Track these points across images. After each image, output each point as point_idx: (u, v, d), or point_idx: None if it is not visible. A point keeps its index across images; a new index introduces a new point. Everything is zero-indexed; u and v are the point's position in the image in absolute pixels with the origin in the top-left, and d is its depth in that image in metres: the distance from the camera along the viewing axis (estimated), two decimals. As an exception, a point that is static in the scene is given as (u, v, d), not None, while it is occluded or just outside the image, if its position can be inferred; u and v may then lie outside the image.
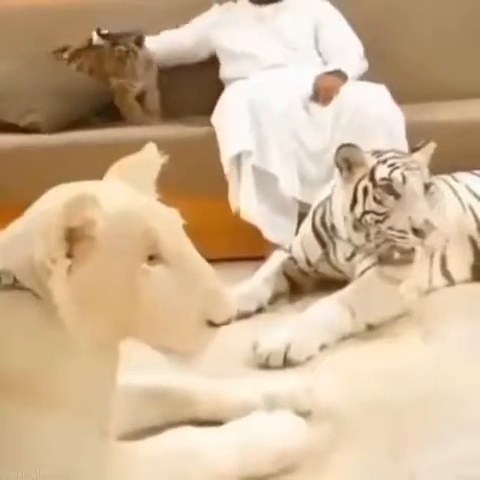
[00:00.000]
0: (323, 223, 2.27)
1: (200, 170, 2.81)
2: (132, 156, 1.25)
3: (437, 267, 2.26)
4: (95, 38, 3.21)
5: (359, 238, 2.10)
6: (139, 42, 3.14)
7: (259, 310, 2.22)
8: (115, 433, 1.23)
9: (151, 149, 1.26)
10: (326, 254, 2.27)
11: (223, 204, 2.71)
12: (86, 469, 1.09)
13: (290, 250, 2.38)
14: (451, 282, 2.28)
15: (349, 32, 3.13)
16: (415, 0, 3.40)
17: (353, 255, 2.17)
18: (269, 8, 3.12)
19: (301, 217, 2.55)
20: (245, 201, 2.66)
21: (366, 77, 2.99)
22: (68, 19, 3.37)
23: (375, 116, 2.66)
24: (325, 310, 1.95)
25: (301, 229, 2.40)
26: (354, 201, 2.07)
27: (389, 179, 2.02)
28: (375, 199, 2.03)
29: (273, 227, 2.67)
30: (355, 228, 2.09)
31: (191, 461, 1.18)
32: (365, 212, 2.05)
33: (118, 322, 1.12)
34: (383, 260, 2.05)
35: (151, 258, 1.12)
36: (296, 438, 1.31)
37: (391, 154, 2.10)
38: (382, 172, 2.04)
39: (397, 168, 2.03)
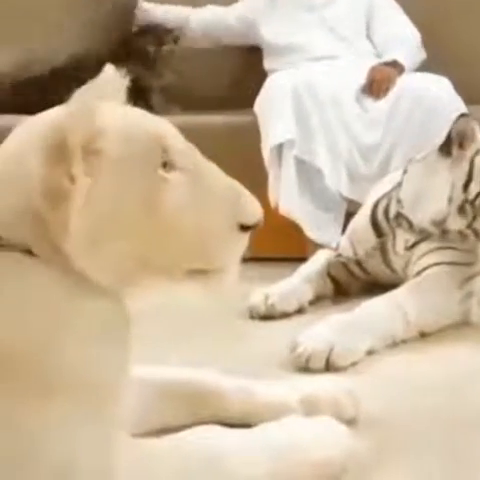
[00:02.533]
0: (386, 213, 2.17)
1: (237, 161, 2.70)
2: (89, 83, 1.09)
3: None
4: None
5: (459, 223, 1.97)
6: (176, 41, 3.13)
7: (299, 311, 2.12)
8: (130, 432, 1.10)
9: (109, 69, 1.11)
10: (381, 244, 2.16)
11: (262, 199, 2.58)
12: (91, 462, 0.97)
13: (337, 248, 2.28)
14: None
15: (404, 19, 3.03)
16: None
17: (414, 245, 2.07)
18: None
19: (348, 217, 2.47)
20: (285, 195, 2.57)
21: (424, 70, 2.88)
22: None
23: (438, 111, 2.56)
24: (375, 311, 1.83)
25: (351, 225, 2.31)
26: (469, 180, 1.95)
27: None
28: None
29: (316, 225, 2.59)
30: (461, 210, 1.97)
31: (212, 465, 1.05)
32: None
33: (140, 246, 1.00)
34: None
35: (164, 165, 1.03)
36: (339, 448, 1.17)
37: None
38: None
39: None
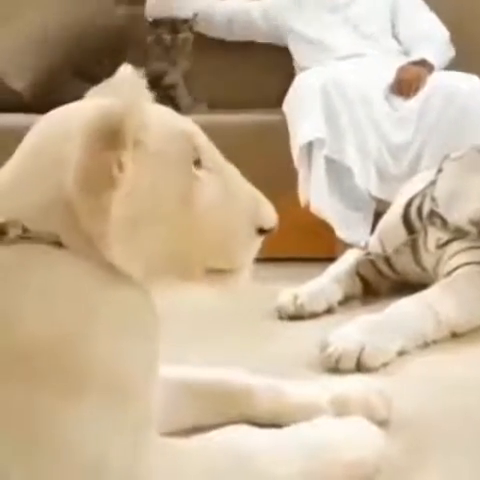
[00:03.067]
0: (419, 210, 2.14)
1: (267, 160, 2.69)
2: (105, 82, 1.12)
3: None
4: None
5: None
6: (192, 29, 3.11)
7: (328, 311, 2.10)
8: (159, 431, 1.08)
9: (126, 69, 1.11)
10: (413, 241, 2.13)
11: (290, 198, 2.58)
12: (121, 460, 0.95)
13: (366, 247, 2.25)
14: None
15: (431, 17, 2.99)
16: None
17: (446, 244, 2.03)
18: None
19: (377, 217, 2.44)
20: (316, 194, 2.55)
21: (453, 67, 2.85)
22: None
23: (470, 109, 2.54)
24: (406, 312, 1.80)
25: (381, 224, 2.28)
26: None
27: None
28: None
29: (346, 224, 2.56)
30: None
31: (241, 464, 1.03)
32: None
33: (171, 240, 1.02)
34: None
35: (195, 163, 1.05)
36: (372, 448, 1.15)
37: None
38: None
39: None
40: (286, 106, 2.72)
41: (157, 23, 3.11)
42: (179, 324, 1.97)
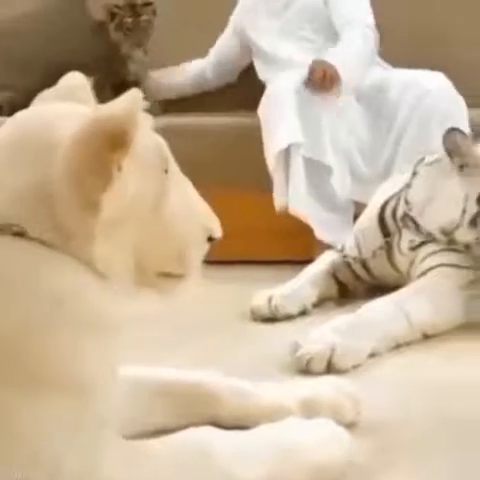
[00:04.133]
0: (393, 213, 2.15)
1: (245, 163, 2.71)
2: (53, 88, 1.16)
3: None
4: None
5: (469, 235, 1.95)
6: (155, 12, 3.12)
7: (303, 313, 2.11)
8: (122, 432, 1.09)
9: (73, 76, 1.17)
10: (387, 243, 2.15)
11: (267, 201, 2.62)
12: (77, 461, 0.96)
13: (342, 250, 2.26)
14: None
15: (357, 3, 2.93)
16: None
17: (420, 246, 2.05)
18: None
19: (355, 219, 2.45)
20: (294, 196, 2.56)
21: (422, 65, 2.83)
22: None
23: (438, 109, 2.58)
24: (377, 313, 1.81)
25: (356, 226, 2.30)
26: None
27: None
28: None
29: (325, 226, 2.57)
30: (472, 223, 1.94)
31: (205, 465, 1.04)
32: None
33: (142, 243, 1.07)
34: None
35: (165, 172, 1.11)
36: (338, 450, 1.16)
37: None
38: None
39: None
40: (260, 112, 2.73)
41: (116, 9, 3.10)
42: (152, 327, 1.98)
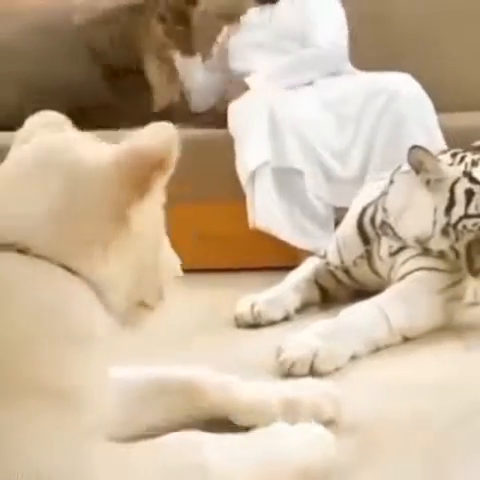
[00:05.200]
0: (372, 220, 2.18)
1: (230, 172, 2.74)
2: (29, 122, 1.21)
3: None
4: None
5: (442, 244, 1.98)
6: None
7: (286, 319, 2.14)
8: (111, 435, 1.12)
9: (46, 115, 1.23)
10: (368, 251, 2.18)
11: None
12: (61, 468, 0.98)
13: (325, 256, 2.29)
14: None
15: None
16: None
17: (398, 251, 2.08)
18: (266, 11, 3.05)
19: (337, 224, 2.49)
20: (262, 212, 2.61)
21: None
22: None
23: (408, 115, 2.61)
24: (358, 317, 1.85)
25: (337, 233, 2.33)
26: (451, 204, 1.96)
27: None
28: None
29: (305, 232, 2.60)
30: (444, 233, 1.97)
31: (190, 468, 1.06)
32: (467, 216, 1.95)
33: (137, 271, 1.12)
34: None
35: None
36: (322, 456, 1.19)
37: (471, 154, 2.02)
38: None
39: None
40: (232, 128, 2.77)
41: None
42: (136, 334, 1.99)
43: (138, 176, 1.06)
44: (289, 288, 2.19)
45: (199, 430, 1.16)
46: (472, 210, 1.94)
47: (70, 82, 3.16)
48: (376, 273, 2.18)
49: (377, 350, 1.82)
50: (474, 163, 1.99)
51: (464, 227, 1.94)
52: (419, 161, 1.99)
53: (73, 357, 1.01)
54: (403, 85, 2.66)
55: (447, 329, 1.95)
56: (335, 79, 2.81)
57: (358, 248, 2.20)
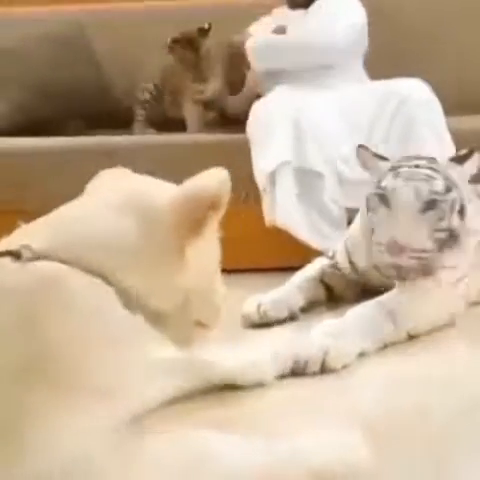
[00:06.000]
0: None
1: (243, 174, 2.78)
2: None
3: None
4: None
5: None
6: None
7: (292, 318, 2.17)
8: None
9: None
10: None
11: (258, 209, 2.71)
12: (117, 460, 1.06)
13: (333, 257, 2.32)
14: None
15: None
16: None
17: None
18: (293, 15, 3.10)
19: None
20: (282, 210, 2.65)
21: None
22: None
23: (417, 119, 2.65)
24: (365, 315, 1.89)
25: (346, 235, 2.34)
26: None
27: (383, 188, 1.98)
28: (369, 208, 2.01)
29: (319, 233, 2.65)
30: None
31: (205, 465, 1.10)
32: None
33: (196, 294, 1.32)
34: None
35: None
36: (340, 456, 1.21)
37: (412, 162, 2.03)
38: (386, 179, 2.00)
39: (399, 177, 1.98)
40: (250, 130, 2.81)
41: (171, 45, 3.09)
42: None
43: (193, 218, 1.23)
44: (294, 288, 2.22)
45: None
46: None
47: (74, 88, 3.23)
48: (382, 274, 2.14)
49: (384, 347, 1.86)
50: (394, 168, 2.01)
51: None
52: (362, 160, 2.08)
53: (113, 354, 1.12)
54: (413, 89, 2.71)
55: (451, 326, 1.99)
56: (349, 87, 2.86)
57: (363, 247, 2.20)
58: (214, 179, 1.25)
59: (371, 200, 2.00)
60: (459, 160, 2.04)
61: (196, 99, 3.12)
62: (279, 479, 1.13)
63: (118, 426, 1.08)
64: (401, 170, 1.99)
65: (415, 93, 2.69)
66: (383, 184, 1.98)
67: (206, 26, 3.07)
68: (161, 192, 1.28)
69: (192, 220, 1.23)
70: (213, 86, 3.13)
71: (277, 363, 1.64)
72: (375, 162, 2.07)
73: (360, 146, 2.13)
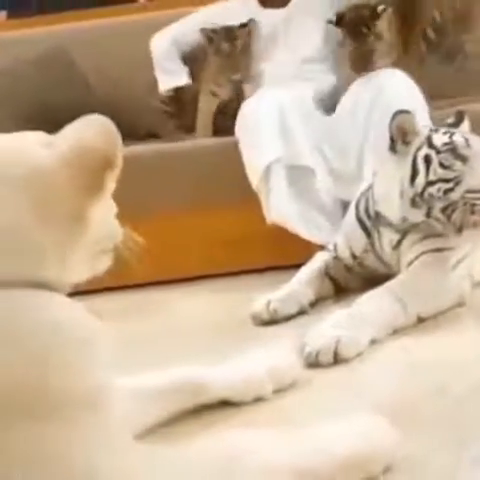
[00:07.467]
0: (367, 212, 2.26)
1: (229, 178, 2.79)
2: None
3: None
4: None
5: (417, 215, 2.07)
6: (251, 34, 3.13)
7: (302, 313, 2.19)
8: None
9: None
10: (371, 244, 2.25)
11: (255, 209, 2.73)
12: (111, 467, 1.03)
13: (335, 249, 2.35)
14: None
15: None
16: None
17: (399, 243, 2.15)
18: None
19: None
20: (276, 206, 2.67)
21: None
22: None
23: (393, 109, 2.64)
24: (374, 303, 1.92)
25: (343, 223, 2.39)
26: (414, 173, 2.06)
27: (451, 143, 2.03)
28: (442, 165, 2.02)
29: (316, 227, 2.66)
30: (414, 204, 2.06)
31: (234, 462, 1.09)
32: (429, 183, 2.03)
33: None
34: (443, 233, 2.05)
35: None
36: (367, 444, 1.19)
37: (440, 127, 2.13)
38: (441, 138, 2.06)
39: (454, 134, 2.06)
40: (239, 132, 2.84)
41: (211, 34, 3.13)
42: (154, 338, 2.05)
43: (90, 179, 1.06)
44: (302, 283, 2.25)
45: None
46: (432, 176, 2.02)
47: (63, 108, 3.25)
48: (384, 263, 2.24)
49: (395, 332, 1.88)
50: (436, 130, 2.09)
51: (430, 195, 2.02)
52: (399, 126, 2.08)
53: (86, 360, 1.06)
54: (388, 80, 2.72)
55: (459, 309, 2.01)
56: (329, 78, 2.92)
57: (362, 240, 2.26)
58: (102, 133, 1.06)
59: (443, 159, 2.02)
60: (454, 126, 2.16)
61: (213, 91, 3.14)
62: (311, 470, 1.12)
63: (115, 432, 1.06)
64: (443, 130, 2.08)
65: (390, 82, 2.69)
66: (443, 141, 2.03)
67: None
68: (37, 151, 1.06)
69: (88, 184, 1.05)
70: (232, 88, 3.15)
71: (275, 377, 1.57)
72: (418, 125, 2.10)
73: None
